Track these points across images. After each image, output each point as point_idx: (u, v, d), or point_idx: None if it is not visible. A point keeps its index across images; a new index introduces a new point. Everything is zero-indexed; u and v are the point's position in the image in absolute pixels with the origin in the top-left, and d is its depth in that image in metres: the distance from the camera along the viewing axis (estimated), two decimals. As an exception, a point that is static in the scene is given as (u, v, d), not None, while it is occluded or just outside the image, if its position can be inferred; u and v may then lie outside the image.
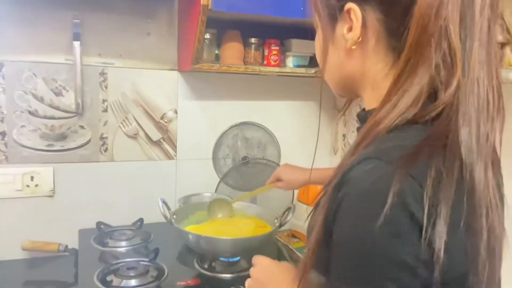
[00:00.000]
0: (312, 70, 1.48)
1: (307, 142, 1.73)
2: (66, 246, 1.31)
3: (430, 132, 0.45)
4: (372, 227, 0.41)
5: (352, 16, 0.51)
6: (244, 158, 1.63)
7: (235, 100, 1.59)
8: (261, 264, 0.74)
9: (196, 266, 1.19)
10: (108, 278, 1.07)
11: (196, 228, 1.22)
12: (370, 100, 0.56)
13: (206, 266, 1.18)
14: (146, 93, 1.47)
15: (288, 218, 1.20)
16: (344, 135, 1.67)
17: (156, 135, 1.51)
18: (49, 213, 1.39)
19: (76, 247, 1.35)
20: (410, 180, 0.41)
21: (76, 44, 1.32)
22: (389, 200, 0.40)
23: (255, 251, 1.23)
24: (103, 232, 1.38)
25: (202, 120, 1.57)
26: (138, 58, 1.45)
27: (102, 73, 1.40)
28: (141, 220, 1.45)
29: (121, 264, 1.14)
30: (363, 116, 0.57)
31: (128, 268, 1.11)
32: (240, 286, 1.11)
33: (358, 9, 0.50)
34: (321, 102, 1.72)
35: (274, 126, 1.66)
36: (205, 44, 1.36)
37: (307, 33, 1.51)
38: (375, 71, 0.53)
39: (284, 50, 1.49)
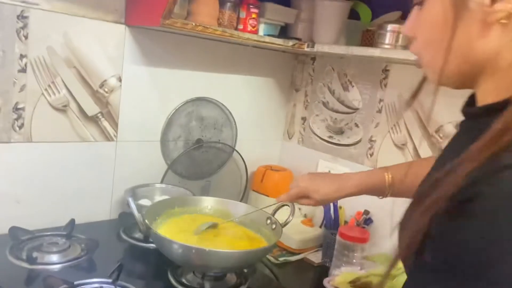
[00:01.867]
0: (290, 43, 1.28)
1: (263, 123, 1.54)
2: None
3: None
4: None
5: None
6: (199, 141, 1.35)
7: (192, 69, 1.30)
8: None
9: (174, 282, 0.91)
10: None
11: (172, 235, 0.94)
12: (490, 91, 0.46)
13: (189, 282, 0.91)
14: (83, 51, 1.09)
15: (290, 219, 0.99)
16: (304, 118, 1.52)
17: (92, 108, 1.13)
18: None
19: (-20, 265, 0.94)
20: None
21: (-14, -34, 0.88)
22: None
23: (250, 265, 1.02)
24: (20, 242, 0.99)
25: (152, 92, 1.24)
26: (72, 1, 1.05)
27: (22, 17, 0.98)
28: (72, 221, 1.08)
29: (75, 292, 0.81)
30: (476, 112, 0.48)
31: (91, 298, 0.79)
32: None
33: None
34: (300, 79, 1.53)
35: (231, 104, 1.41)
36: (176, -5, 1.04)
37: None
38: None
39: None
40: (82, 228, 1.10)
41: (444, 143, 1.10)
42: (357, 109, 1.34)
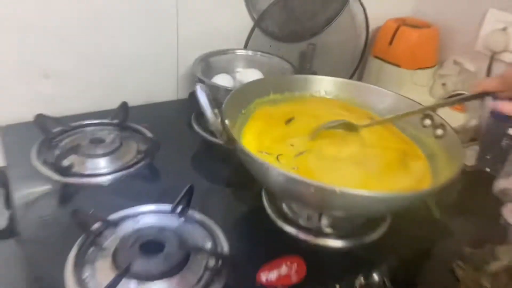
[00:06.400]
0: None
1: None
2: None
3: None
4: None
5: None
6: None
7: None
8: None
9: (270, 212, 0.58)
10: None
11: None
12: None
13: (295, 215, 0.58)
14: None
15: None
16: None
17: None
18: None
19: None
20: None
21: None
22: None
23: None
24: (50, 136, 0.68)
25: None
26: None
27: None
28: (124, 105, 0.75)
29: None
30: None
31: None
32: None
33: None
34: None
35: None
36: None
37: None
38: None
39: None
40: (138, 113, 0.77)
41: None
42: None
